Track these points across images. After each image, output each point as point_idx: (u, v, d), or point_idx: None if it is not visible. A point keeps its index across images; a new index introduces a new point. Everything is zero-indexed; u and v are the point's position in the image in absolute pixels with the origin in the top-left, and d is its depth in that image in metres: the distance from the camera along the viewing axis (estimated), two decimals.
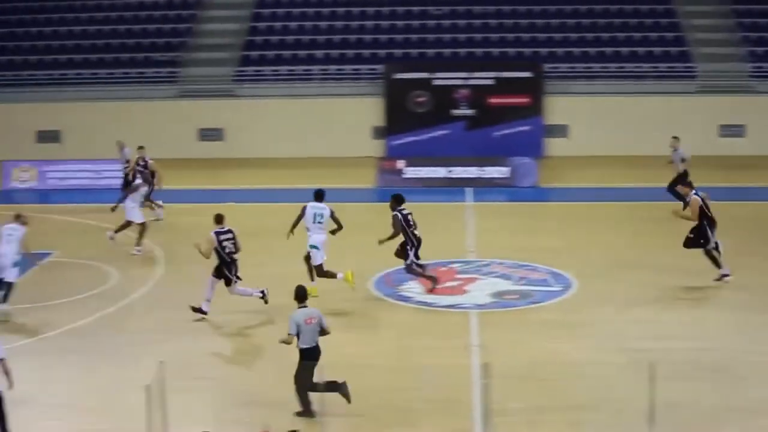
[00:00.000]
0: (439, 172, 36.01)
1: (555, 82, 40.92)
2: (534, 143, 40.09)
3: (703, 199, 23.54)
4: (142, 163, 30.43)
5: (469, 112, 40.64)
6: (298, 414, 16.52)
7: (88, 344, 20.22)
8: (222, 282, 21.51)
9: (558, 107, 40.65)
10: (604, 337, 20.19)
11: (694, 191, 23.74)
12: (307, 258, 23.12)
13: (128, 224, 27.10)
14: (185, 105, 40.74)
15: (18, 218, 22.52)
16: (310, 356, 16.48)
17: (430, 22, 43.53)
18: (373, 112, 40.32)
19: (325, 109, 40.32)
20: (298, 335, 16.41)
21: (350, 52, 42.17)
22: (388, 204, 23.41)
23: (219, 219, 21.69)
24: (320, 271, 22.88)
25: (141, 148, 30.84)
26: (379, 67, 41.11)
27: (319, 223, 22.99)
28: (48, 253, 26.54)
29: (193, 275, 24.27)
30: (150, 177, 30.13)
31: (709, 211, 23.40)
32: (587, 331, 20.67)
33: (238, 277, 21.65)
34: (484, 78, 40.57)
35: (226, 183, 34.82)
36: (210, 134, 40.45)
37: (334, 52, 42.16)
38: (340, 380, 16.55)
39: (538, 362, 18.83)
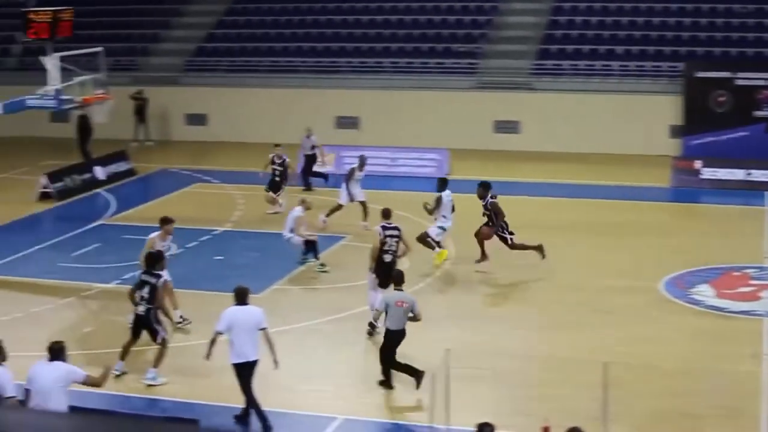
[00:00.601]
0: (737, 174, 34.85)
1: None
2: None
3: None
4: (278, 161, 30.63)
5: None
6: (380, 383, 17.41)
7: (376, 328, 20.63)
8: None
9: None
10: None
11: None
12: (424, 236, 24.62)
13: (339, 207, 28.30)
14: (482, 96, 40.96)
15: (303, 203, 24.61)
16: (393, 338, 17.13)
17: (734, 21, 42.19)
18: (670, 110, 39.44)
19: (622, 106, 39.72)
20: (386, 314, 17.13)
21: (651, 48, 41.39)
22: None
23: (386, 213, 21.17)
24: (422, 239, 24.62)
25: (277, 146, 31.06)
26: (680, 65, 40.16)
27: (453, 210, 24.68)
28: (341, 237, 27.31)
29: (480, 264, 24.47)
30: (286, 174, 30.53)
31: None
32: None
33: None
34: None
35: (519, 176, 34.82)
36: (506, 126, 40.55)
37: (635, 49, 41.46)
38: (420, 369, 17.00)
39: None
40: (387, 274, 19.75)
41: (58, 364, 13.84)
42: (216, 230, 28.36)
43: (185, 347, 19.40)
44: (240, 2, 47.36)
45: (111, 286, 23.64)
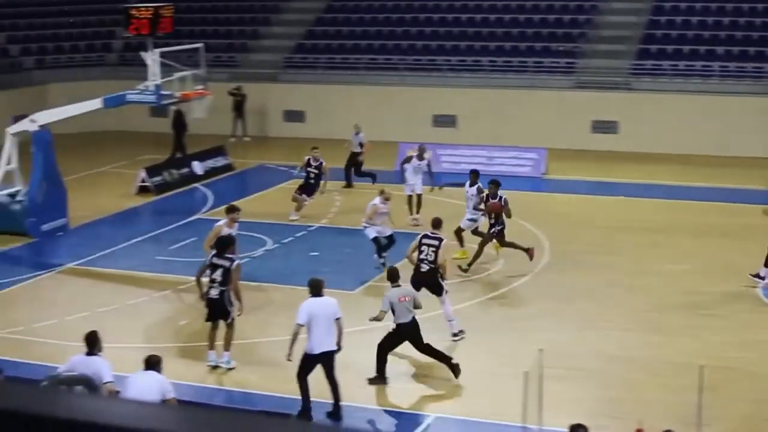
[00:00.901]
0: None
1: None
2: None
3: None
4: (314, 163, 29.74)
5: None
6: (371, 381, 17.50)
7: (468, 328, 20.56)
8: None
9: None
10: None
11: None
12: (459, 231, 24.75)
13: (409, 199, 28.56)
14: (580, 96, 40.64)
15: (382, 193, 24.71)
16: (406, 330, 17.39)
17: None
18: None
19: (721, 107, 39.10)
20: (393, 312, 17.37)
21: (751, 49, 40.69)
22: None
23: (436, 224, 20.50)
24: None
25: (315, 149, 30.20)
26: None
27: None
28: None
29: (577, 265, 24.32)
30: (320, 178, 29.60)
31: None
32: None
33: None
34: None
35: (617, 176, 34.49)
36: (603, 126, 40.17)
37: (735, 49, 40.80)
38: (454, 360, 17.44)
39: None
40: (418, 281, 19.68)
41: (154, 375, 13.95)
42: (312, 226, 28.50)
43: (272, 342, 19.50)
44: None
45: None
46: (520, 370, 14.81)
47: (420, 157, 28.84)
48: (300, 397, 16.31)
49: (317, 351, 16.14)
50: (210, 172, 35.20)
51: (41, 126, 27.85)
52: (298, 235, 27.65)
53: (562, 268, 24.58)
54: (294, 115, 43.56)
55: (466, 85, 41.88)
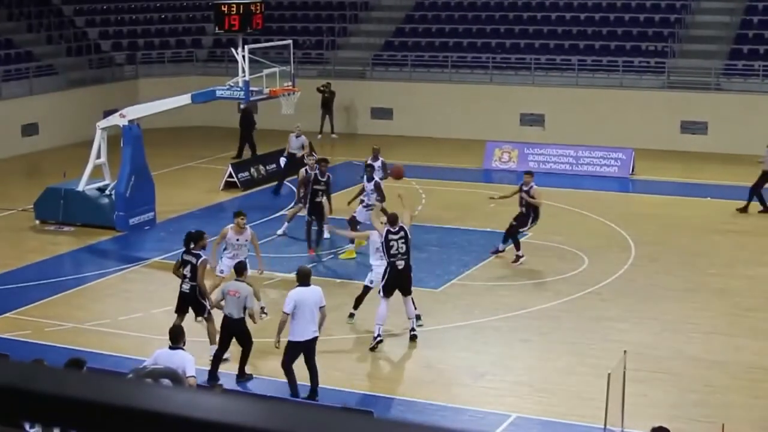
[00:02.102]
0: None
1: None
2: None
3: None
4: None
5: None
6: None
7: (551, 328, 20.49)
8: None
9: None
10: None
11: None
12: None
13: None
14: (669, 96, 40.22)
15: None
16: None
17: None
18: None
19: None
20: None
21: None
22: None
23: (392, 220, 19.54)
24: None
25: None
26: None
27: None
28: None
29: (663, 266, 24.12)
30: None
31: None
32: None
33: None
34: None
35: (706, 177, 34.07)
36: (693, 127, 39.71)
37: None
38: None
39: None
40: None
41: (178, 353, 14.22)
42: None
43: (350, 339, 19.58)
44: None
45: (292, 276, 23.96)
46: (603, 371, 14.73)
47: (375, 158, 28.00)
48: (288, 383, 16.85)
49: (302, 339, 16.60)
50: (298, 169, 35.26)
51: (131, 120, 28.23)
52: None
53: (648, 269, 24.37)
54: (381, 113, 43.66)
55: (555, 84, 41.68)
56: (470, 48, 44.11)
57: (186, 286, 18.69)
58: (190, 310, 18.76)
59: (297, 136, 32.55)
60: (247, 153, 37.31)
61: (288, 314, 16.56)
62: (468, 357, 18.68)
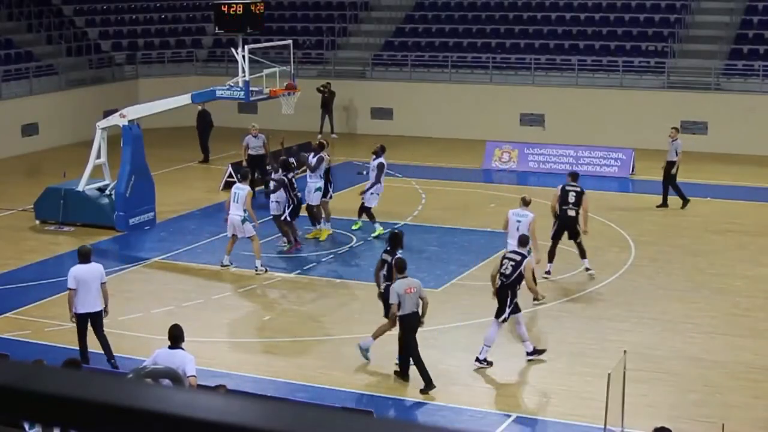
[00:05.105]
0: None
1: None
2: None
3: None
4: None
5: None
6: (422, 391, 17.26)
7: (551, 328, 20.49)
8: None
9: None
10: None
11: None
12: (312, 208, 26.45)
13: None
14: (669, 96, 40.22)
15: (526, 202, 22.62)
16: (408, 323, 17.28)
17: None
18: None
19: None
20: (399, 305, 17.25)
21: None
22: None
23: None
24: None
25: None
26: None
27: None
28: None
29: (663, 266, 24.13)
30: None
31: None
32: None
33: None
34: None
35: (706, 177, 34.07)
36: (693, 127, 39.69)
37: None
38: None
39: None
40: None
41: (178, 353, 14.22)
42: (397, 223, 28.52)
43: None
44: None
45: (292, 275, 24.02)
46: (603, 371, 14.73)
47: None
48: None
49: (83, 311, 17.93)
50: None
51: (131, 120, 28.23)
52: (384, 232, 27.68)
53: (648, 269, 24.37)
54: (381, 113, 43.66)
55: (555, 84, 41.69)
56: (470, 48, 44.12)
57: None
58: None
59: (255, 136, 32.35)
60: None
61: (73, 289, 17.86)
62: (468, 357, 18.67)
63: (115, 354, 18.44)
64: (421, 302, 17.55)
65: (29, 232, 28.25)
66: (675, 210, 29.82)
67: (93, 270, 18.14)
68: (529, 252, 19.46)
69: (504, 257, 18.91)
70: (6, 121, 39.36)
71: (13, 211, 30.26)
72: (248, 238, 24.03)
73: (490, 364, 18.31)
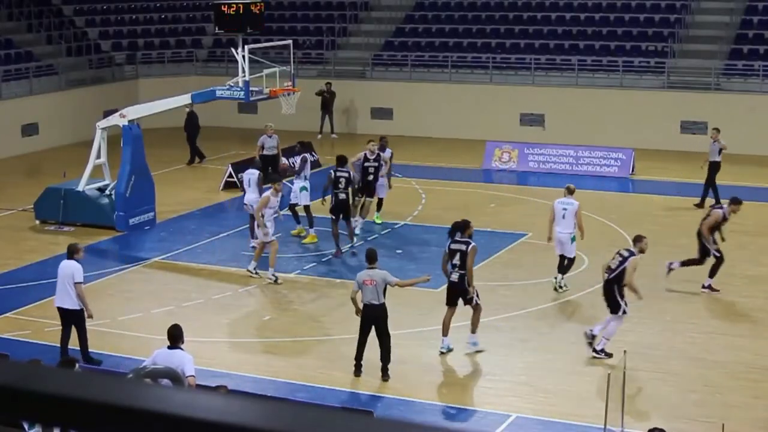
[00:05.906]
0: None
1: None
2: None
3: None
4: (371, 156, 27.73)
5: None
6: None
7: (551, 328, 20.49)
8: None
9: None
10: None
11: None
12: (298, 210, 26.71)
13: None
14: (669, 96, 40.23)
15: (571, 191, 23.01)
16: (366, 312, 17.63)
17: None
18: None
19: None
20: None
21: None
22: None
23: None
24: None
25: (371, 142, 28.37)
26: None
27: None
28: (522, 234, 27.16)
29: (663, 266, 24.10)
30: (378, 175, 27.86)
31: None
32: None
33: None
34: None
35: (704, 178, 34.00)
36: (693, 127, 39.72)
37: None
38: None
39: None
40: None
41: (177, 353, 14.19)
42: (397, 223, 28.55)
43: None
44: None
45: (292, 275, 24.02)
46: (603, 371, 14.72)
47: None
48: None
49: (57, 304, 18.59)
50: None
51: (131, 120, 28.23)
52: (384, 232, 27.73)
53: (647, 269, 24.32)
54: (381, 113, 43.66)
55: (555, 84, 41.70)
56: (470, 48, 44.12)
57: (455, 276, 18.88)
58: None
59: (270, 136, 32.44)
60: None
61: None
62: (468, 357, 18.67)
63: (115, 354, 18.45)
64: (382, 294, 17.74)
65: (29, 232, 28.26)
66: (675, 210, 29.82)
67: (65, 266, 18.50)
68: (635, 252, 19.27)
69: (617, 252, 19.45)
70: (6, 121, 39.36)
71: (13, 211, 30.27)
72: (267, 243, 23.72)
73: (609, 355, 18.36)
